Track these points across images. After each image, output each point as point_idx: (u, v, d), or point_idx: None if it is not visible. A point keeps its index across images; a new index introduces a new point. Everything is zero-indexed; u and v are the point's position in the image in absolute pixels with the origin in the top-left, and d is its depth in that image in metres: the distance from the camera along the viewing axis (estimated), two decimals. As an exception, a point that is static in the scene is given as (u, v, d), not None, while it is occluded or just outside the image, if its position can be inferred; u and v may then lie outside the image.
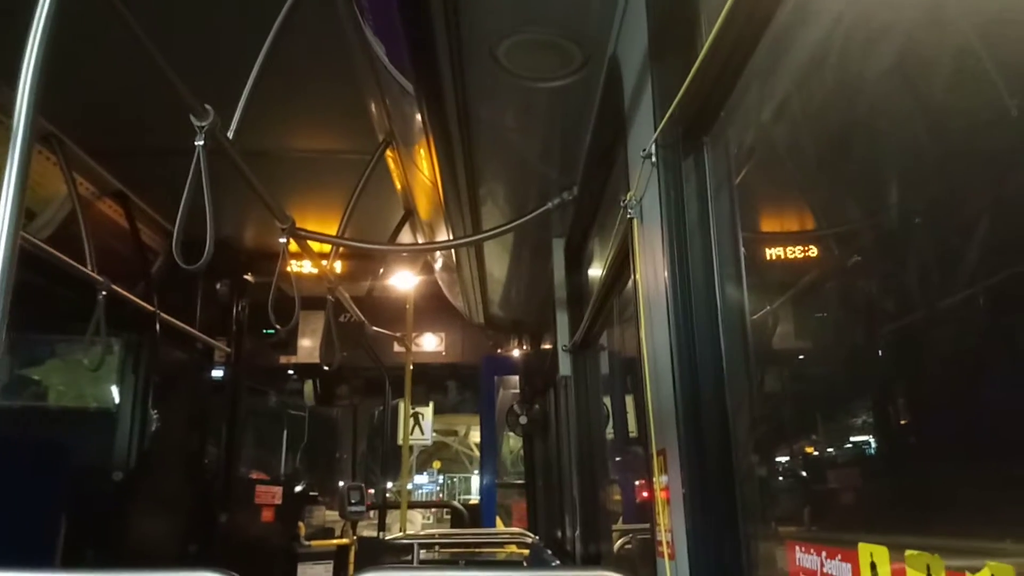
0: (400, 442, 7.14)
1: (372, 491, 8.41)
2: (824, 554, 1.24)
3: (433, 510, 16.63)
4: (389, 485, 8.99)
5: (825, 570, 1.23)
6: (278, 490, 7.34)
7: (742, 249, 1.79)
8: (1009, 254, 1.00)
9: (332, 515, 8.38)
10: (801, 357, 1.86)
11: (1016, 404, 0.95)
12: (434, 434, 8.95)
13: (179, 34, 3.25)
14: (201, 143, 2.39)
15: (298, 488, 8.28)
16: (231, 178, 2.71)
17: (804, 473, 1.71)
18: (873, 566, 1.08)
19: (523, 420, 6.31)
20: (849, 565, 1.16)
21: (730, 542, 1.64)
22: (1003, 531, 0.90)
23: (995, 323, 1.05)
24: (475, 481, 24.93)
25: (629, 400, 4.10)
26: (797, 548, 1.35)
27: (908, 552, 0.98)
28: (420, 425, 7.78)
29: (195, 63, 2.90)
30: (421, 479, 22.23)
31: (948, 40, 1.05)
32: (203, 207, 2.35)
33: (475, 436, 23.21)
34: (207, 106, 2.39)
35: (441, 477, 24.23)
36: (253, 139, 2.77)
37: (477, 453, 24.08)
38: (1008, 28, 0.89)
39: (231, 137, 2.61)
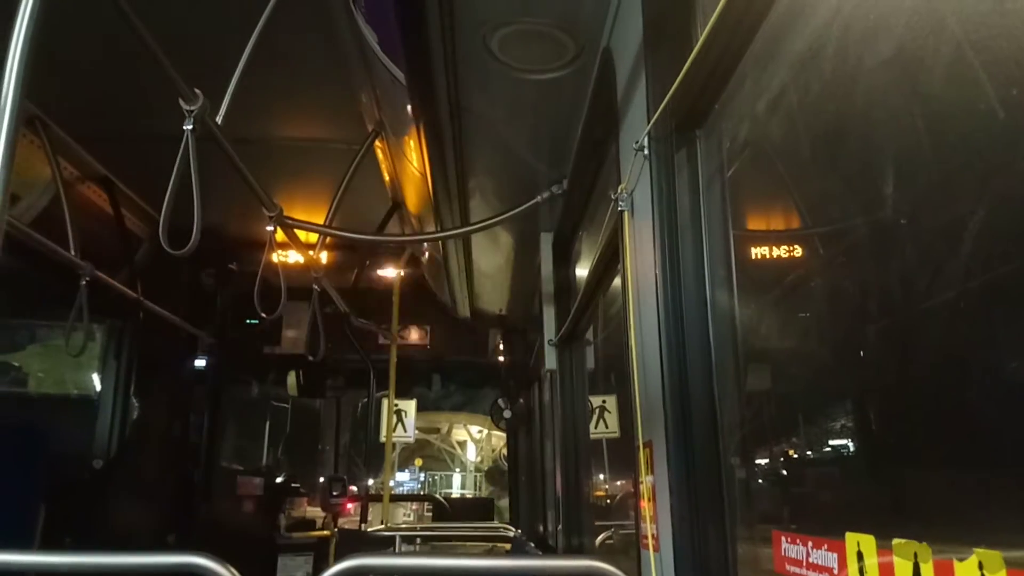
0: (383, 438, 7.13)
1: (354, 488, 8.38)
2: (810, 544, 1.25)
3: (414, 507, 16.61)
4: (371, 482, 8.98)
5: (811, 560, 1.24)
6: (259, 481, 7.31)
7: (733, 243, 1.80)
8: (1004, 253, 1.01)
9: (314, 509, 8.35)
10: (791, 352, 1.87)
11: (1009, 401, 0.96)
12: (417, 431, 8.91)
13: (168, 18, 3.21)
14: (190, 128, 2.37)
15: (279, 479, 8.25)
16: (217, 165, 2.69)
17: (792, 467, 1.72)
18: (860, 555, 1.09)
19: (507, 414, 6.31)
20: (836, 555, 1.16)
21: (716, 534, 1.64)
22: (996, 525, 0.91)
23: (989, 321, 1.06)
24: (456, 479, 24.93)
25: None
26: (783, 539, 1.36)
27: (896, 541, 0.99)
28: (403, 422, 7.75)
29: (183, 47, 2.86)
30: (403, 476, 22.19)
31: (946, 34, 1.06)
32: (189, 194, 2.33)
33: (457, 434, 23.22)
34: (196, 90, 2.37)
35: (423, 475, 24.22)
36: (241, 126, 2.74)
37: (459, 451, 24.09)
38: (1007, 19, 0.90)
39: (220, 123, 2.59)
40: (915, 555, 0.95)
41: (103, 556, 1.70)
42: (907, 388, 1.29)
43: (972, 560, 0.84)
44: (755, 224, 1.99)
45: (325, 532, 7.41)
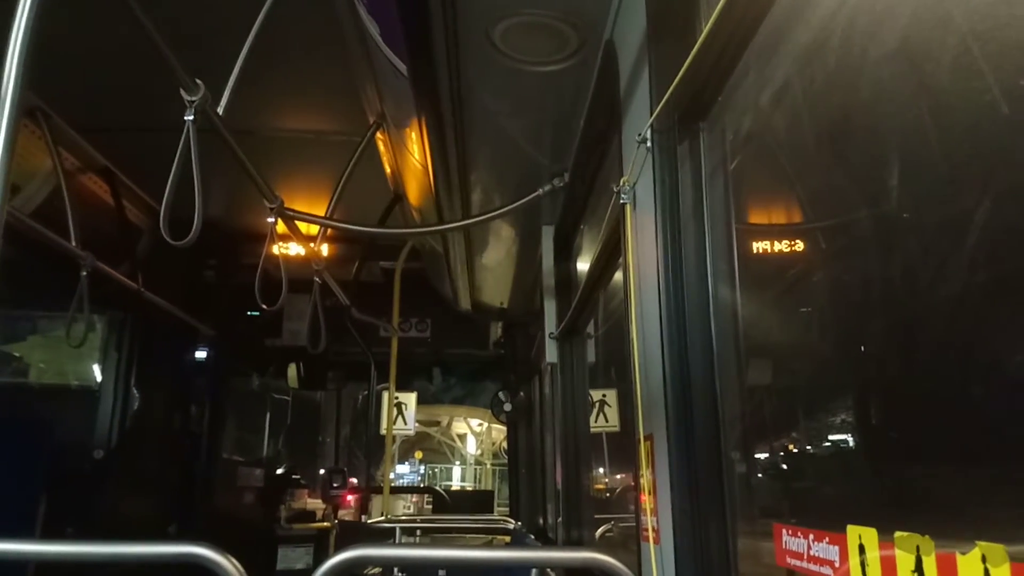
0: (383, 431, 7.14)
1: (355, 480, 8.40)
2: (811, 537, 1.25)
3: (414, 499, 16.71)
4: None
5: (812, 553, 1.24)
6: (260, 472, 7.32)
7: (736, 236, 1.79)
8: (1009, 247, 1.00)
9: (315, 501, 8.37)
10: (793, 346, 1.86)
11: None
12: (417, 424, 8.90)
13: (170, 8, 3.20)
14: (191, 118, 2.36)
15: (280, 471, 8.27)
16: (218, 156, 2.68)
17: (794, 460, 1.72)
18: (862, 548, 1.08)
19: (508, 407, 6.31)
20: (837, 548, 1.16)
21: (717, 526, 1.64)
22: (999, 518, 0.91)
23: (992, 315, 1.06)
24: (456, 472, 24.98)
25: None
26: (784, 531, 1.36)
27: (898, 534, 0.99)
28: (403, 415, 7.75)
29: (185, 38, 2.86)
30: (403, 469, 22.23)
31: (952, 26, 1.05)
32: (190, 185, 2.32)
33: (457, 427, 23.26)
34: (198, 81, 2.36)
35: (422, 467, 24.27)
36: (242, 117, 2.73)
37: (459, 444, 24.12)
38: (1014, 8, 0.89)
39: (221, 114, 2.58)
40: (917, 548, 0.94)
41: (104, 546, 1.70)
42: (909, 382, 1.29)
43: (975, 553, 0.84)
44: (758, 217, 1.99)
45: (325, 524, 7.43)
